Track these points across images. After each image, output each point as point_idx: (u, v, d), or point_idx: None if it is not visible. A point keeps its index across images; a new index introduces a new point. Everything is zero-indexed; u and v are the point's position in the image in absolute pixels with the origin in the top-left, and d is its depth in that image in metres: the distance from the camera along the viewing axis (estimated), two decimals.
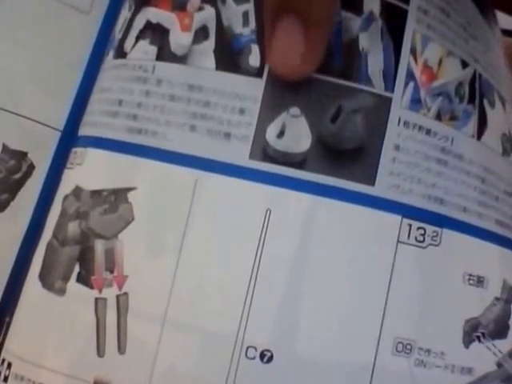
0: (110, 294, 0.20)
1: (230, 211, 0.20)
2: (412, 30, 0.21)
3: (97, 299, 0.20)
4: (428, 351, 0.20)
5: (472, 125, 0.22)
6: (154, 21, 0.21)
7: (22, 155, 0.23)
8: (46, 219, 0.22)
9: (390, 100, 0.20)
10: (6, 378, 0.20)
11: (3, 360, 0.21)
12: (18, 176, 0.23)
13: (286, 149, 0.20)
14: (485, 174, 0.22)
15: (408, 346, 0.19)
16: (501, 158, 0.23)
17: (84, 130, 0.22)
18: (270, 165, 0.20)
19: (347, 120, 0.20)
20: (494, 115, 0.23)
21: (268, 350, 0.19)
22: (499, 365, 0.21)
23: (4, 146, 0.23)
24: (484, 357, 0.21)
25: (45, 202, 0.23)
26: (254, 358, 0.19)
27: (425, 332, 0.20)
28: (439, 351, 0.20)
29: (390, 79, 0.20)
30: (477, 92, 0.22)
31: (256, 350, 0.19)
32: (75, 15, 0.24)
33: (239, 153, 0.20)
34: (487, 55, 0.24)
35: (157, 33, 0.21)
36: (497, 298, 0.21)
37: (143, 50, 0.21)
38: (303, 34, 0.19)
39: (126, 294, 0.19)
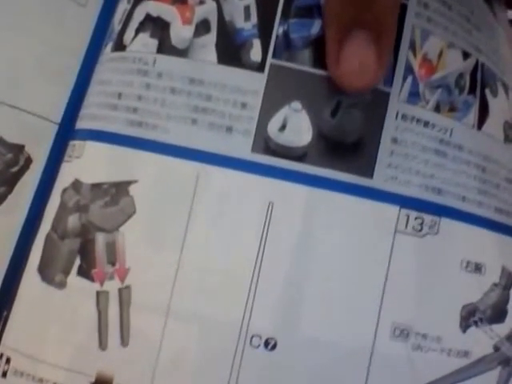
0: (111, 287, 0.21)
1: (232, 204, 0.21)
2: (411, 24, 0.22)
3: (98, 292, 0.21)
4: (424, 336, 0.22)
5: (472, 115, 0.23)
6: (154, 14, 0.22)
7: (19, 148, 0.24)
8: (44, 212, 0.23)
9: (387, 95, 0.22)
10: (4, 373, 0.22)
11: (1, 355, 0.22)
12: (15, 169, 0.24)
13: (287, 142, 0.21)
14: (485, 163, 0.23)
15: (405, 331, 0.21)
16: (503, 146, 0.24)
17: (82, 123, 0.23)
18: (272, 158, 0.21)
19: (346, 114, 0.21)
20: (496, 104, 0.24)
21: (272, 338, 0.21)
22: (496, 348, 0.23)
23: (1, 139, 0.24)
24: (481, 341, 0.23)
25: (42, 196, 0.24)
26: (258, 347, 0.20)
27: (422, 317, 0.22)
28: (436, 336, 0.22)
29: (388, 74, 0.22)
30: (478, 82, 0.24)
31: (261, 338, 0.21)
32: (72, 7, 0.25)
33: (241, 146, 0.21)
34: (491, 43, 0.25)
35: (157, 25, 0.22)
36: (495, 284, 0.23)
37: (143, 43, 0.22)
38: (376, 46, 0.20)
39: (128, 287, 0.21)
